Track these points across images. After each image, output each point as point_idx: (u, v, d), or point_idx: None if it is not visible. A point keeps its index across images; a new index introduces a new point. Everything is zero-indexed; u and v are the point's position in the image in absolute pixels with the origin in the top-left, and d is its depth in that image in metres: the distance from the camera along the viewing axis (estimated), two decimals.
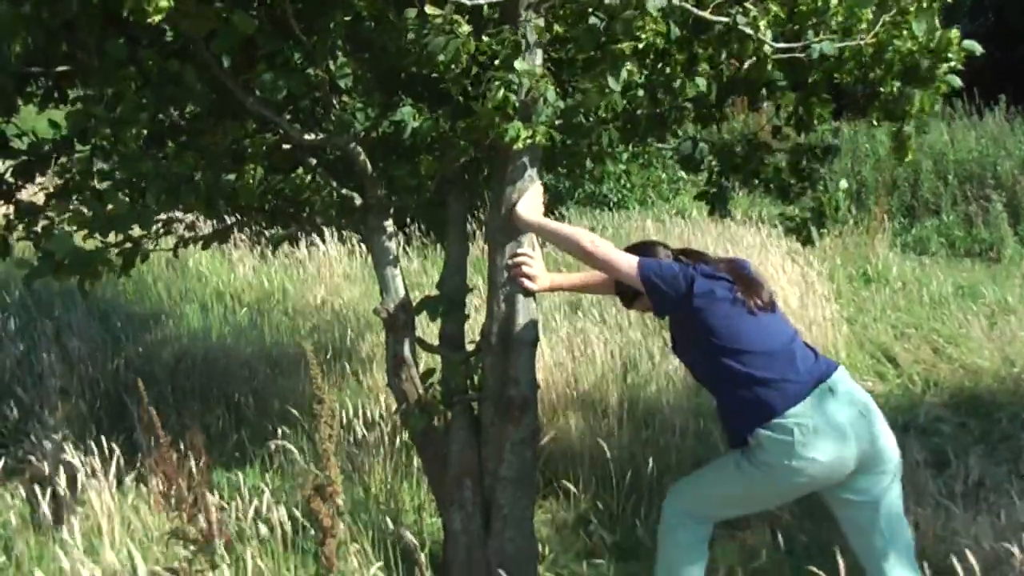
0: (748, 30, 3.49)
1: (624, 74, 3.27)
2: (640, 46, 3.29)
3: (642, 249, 3.55)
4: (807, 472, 3.08)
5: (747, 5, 3.54)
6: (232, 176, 3.72)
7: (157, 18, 2.60)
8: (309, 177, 3.90)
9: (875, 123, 4.09)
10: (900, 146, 4.07)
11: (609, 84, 3.25)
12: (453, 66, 3.03)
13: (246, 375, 6.28)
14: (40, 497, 4.21)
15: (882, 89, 3.90)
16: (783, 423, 3.06)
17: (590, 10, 3.19)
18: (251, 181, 3.66)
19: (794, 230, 4.42)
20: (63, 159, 3.84)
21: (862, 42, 3.66)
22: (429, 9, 2.96)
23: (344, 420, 5.15)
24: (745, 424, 3.14)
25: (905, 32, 3.69)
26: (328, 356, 6.72)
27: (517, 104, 3.19)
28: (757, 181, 4.37)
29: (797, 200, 4.36)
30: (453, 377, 3.82)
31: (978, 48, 3.78)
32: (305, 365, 6.32)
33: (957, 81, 3.85)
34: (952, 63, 3.79)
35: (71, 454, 4.38)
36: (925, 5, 3.68)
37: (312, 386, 3.35)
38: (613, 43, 3.22)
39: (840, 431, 3.07)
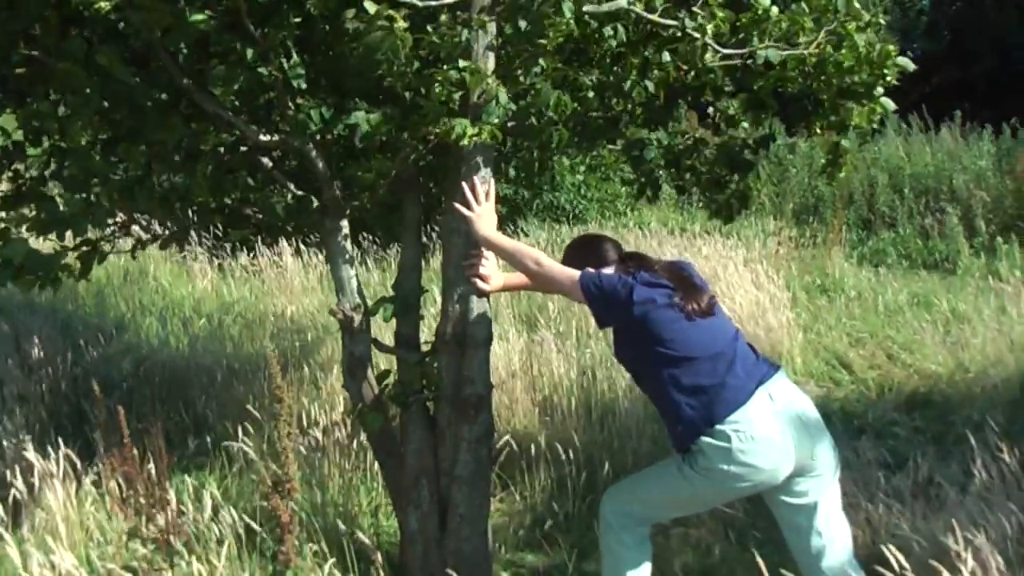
0: (696, 34, 3.56)
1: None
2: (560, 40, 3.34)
3: (590, 246, 3.60)
4: (747, 477, 3.13)
5: (695, 10, 3.61)
6: (186, 176, 3.73)
7: (105, 6, 2.61)
8: (263, 178, 3.92)
9: (819, 131, 4.16)
10: (834, 160, 4.16)
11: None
12: (395, 62, 3.06)
13: (204, 382, 6.28)
14: None
15: (825, 97, 3.99)
16: (723, 429, 3.11)
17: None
18: (203, 179, 3.67)
19: (717, 211, 4.52)
20: (16, 165, 3.84)
21: (805, 52, 3.75)
22: (368, 5, 2.96)
23: (303, 424, 5.17)
24: (687, 431, 3.18)
25: (845, 45, 3.78)
26: (286, 362, 6.71)
27: (458, 100, 3.22)
28: (690, 175, 4.46)
29: (726, 188, 4.46)
30: (409, 378, 3.86)
31: (910, 65, 3.86)
32: (264, 371, 6.35)
33: (891, 104, 3.95)
34: (888, 79, 3.88)
35: (30, 457, 4.38)
36: (863, 24, 3.78)
37: (272, 386, 3.38)
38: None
39: (779, 436, 3.12)
